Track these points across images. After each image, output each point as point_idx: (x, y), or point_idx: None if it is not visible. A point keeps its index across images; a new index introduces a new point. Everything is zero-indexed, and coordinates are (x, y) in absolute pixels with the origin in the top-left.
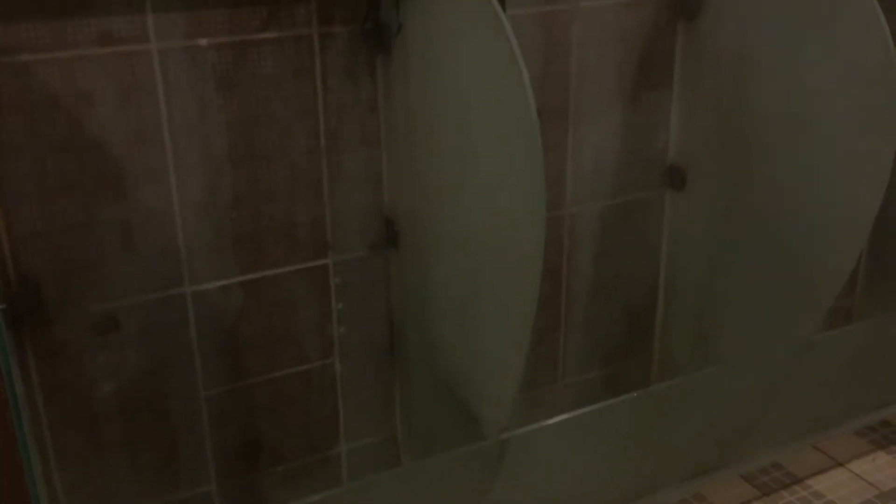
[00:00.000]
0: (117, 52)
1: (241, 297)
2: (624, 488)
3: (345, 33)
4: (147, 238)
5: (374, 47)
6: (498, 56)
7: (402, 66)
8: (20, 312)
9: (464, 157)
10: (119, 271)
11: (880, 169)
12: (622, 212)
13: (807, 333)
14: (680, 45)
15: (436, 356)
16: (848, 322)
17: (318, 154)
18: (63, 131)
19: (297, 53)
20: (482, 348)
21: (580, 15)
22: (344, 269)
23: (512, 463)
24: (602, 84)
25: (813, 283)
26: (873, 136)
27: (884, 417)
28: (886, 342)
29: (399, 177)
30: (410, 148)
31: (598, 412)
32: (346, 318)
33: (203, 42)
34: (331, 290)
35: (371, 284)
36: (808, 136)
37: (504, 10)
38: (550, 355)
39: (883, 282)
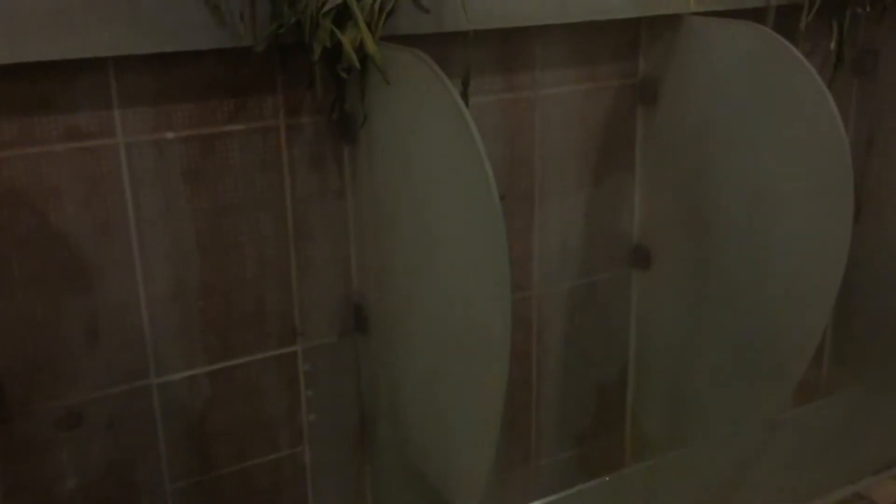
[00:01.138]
0: (84, 147)
1: (209, 387)
2: None
3: (311, 124)
4: (112, 331)
5: (341, 137)
6: (460, 145)
7: (369, 155)
8: None
9: (430, 243)
10: (84, 365)
11: (839, 243)
12: (590, 292)
13: (776, 409)
14: (640, 129)
15: (407, 441)
16: (816, 394)
17: (286, 242)
18: (28, 226)
19: (264, 144)
20: (453, 433)
21: (542, 101)
22: (313, 356)
23: None
24: (566, 167)
25: (780, 358)
26: (830, 212)
27: (857, 491)
28: (856, 415)
29: (367, 262)
30: (378, 234)
31: (570, 497)
32: (315, 405)
33: (170, 135)
34: (300, 378)
35: (340, 370)
36: (768, 213)
37: (466, 99)
38: (523, 436)
39: (849, 353)
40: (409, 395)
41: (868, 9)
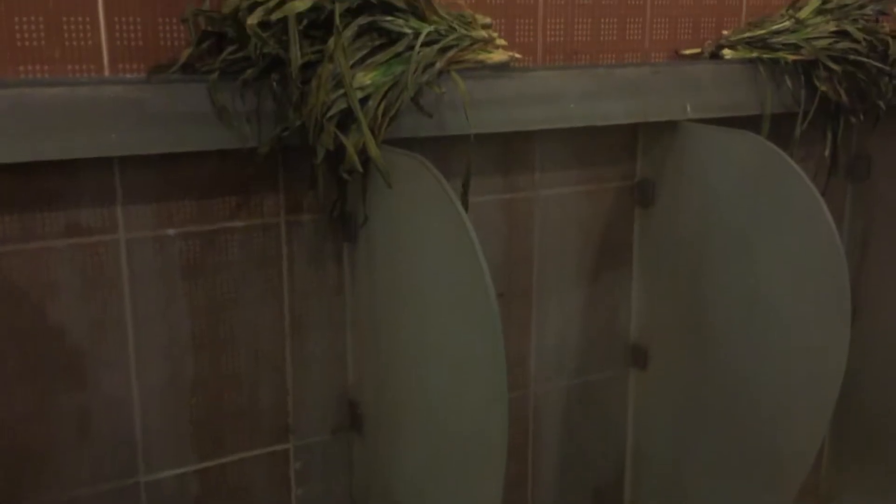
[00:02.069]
0: (84, 243)
1: (198, 485)
2: None
3: (312, 222)
4: (103, 427)
5: (341, 235)
6: (458, 247)
7: (368, 254)
8: None
9: (427, 342)
10: (73, 461)
11: (837, 349)
12: (587, 390)
13: None
14: (637, 230)
15: None
16: (815, 497)
17: (283, 338)
18: (26, 319)
19: (264, 241)
20: None
21: (541, 202)
22: (305, 454)
23: None
24: (564, 266)
25: (778, 464)
26: (827, 318)
27: None
28: None
29: (364, 359)
30: (375, 332)
31: None
32: None
33: (171, 232)
34: (290, 476)
35: (333, 469)
36: (765, 317)
37: (466, 201)
38: None
39: (847, 455)
40: (403, 497)
41: (862, 118)
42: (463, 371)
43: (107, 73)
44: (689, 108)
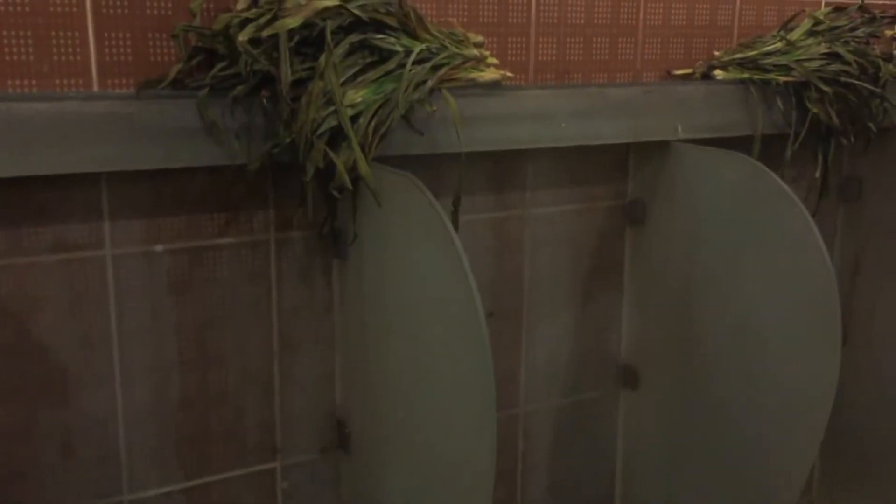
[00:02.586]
0: (71, 259)
1: None
2: None
3: (302, 239)
4: (87, 445)
5: (330, 252)
6: (448, 266)
7: (358, 271)
8: None
9: (415, 361)
10: (55, 480)
11: (827, 371)
12: (577, 411)
13: None
14: (628, 249)
15: None
16: None
17: (271, 356)
18: (10, 336)
19: (253, 257)
20: None
21: (532, 220)
22: (292, 473)
23: None
24: (554, 285)
25: (770, 486)
26: (817, 339)
27: None
28: None
29: (352, 378)
30: (364, 350)
31: None
32: None
33: (159, 248)
34: (277, 496)
35: (320, 489)
36: (755, 339)
37: (456, 219)
38: None
39: (838, 478)
40: None
41: (853, 139)
42: (451, 391)
43: (95, 88)
44: (680, 129)
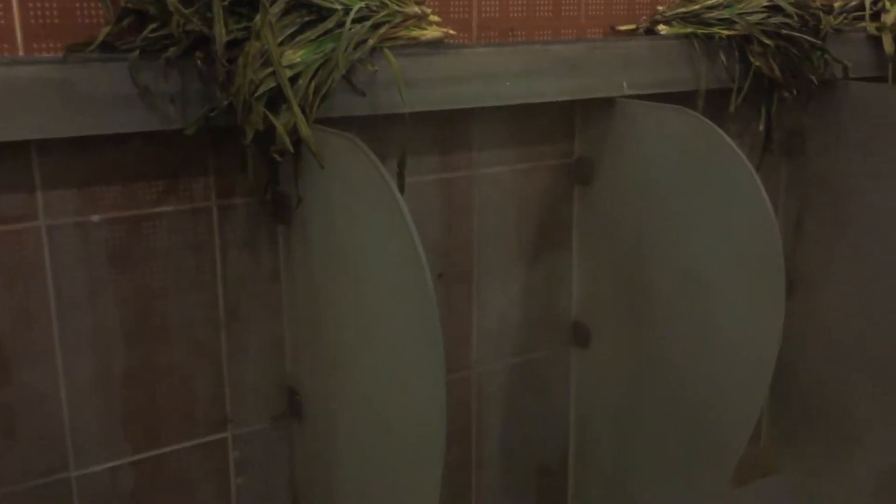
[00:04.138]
0: (3, 231)
1: (132, 478)
2: None
3: (244, 205)
4: (29, 422)
5: (275, 218)
6: (394, 228)
7: (303, 236)
8: None
9: (365, 326)
10: None
11: (773, 320)
12: (529, 370)
13: (718, 488)
14: (577, 208)
15: None
16: (754, 471)
17: (217, 326)
18: None
19: (194, 226)
20: None
21: (479, 181)
22: (244, 443)
23: None
24: (504, 245)
25: (720, 436)
26: (762, 291)
27: None
28: (794, 493)
29: (302, 345)
30: (313, 317)
31: None
32: (245, 494)
33: (95, 218)
34: (230, 466)
35: (273, 457)
36: (703, 291)
37: (402, 181)
38: None
39: (785, 429)
40: (344, 483)
41: (795, 93)
42: (401, 355)
43: (21, 52)
44: (625, 85)
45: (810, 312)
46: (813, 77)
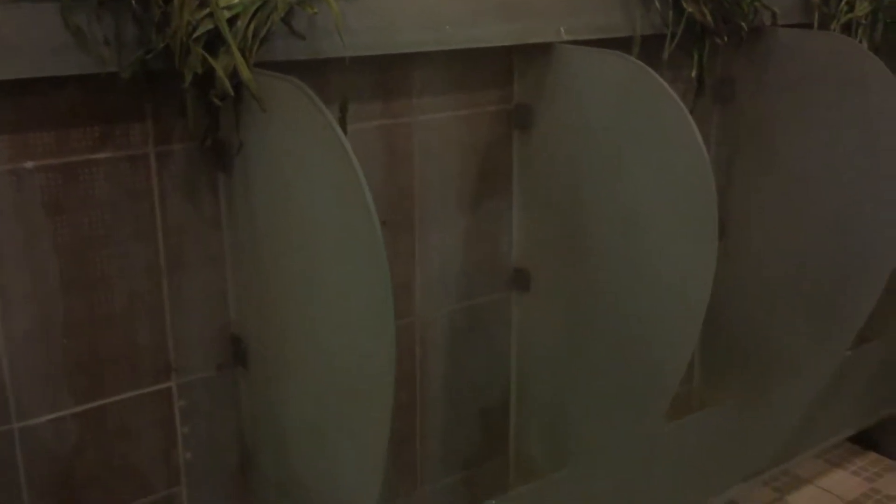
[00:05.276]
0: None
1: (77, 429)
2: None
3: (183, 151)
4: None
5: (215, 165)
6: (339, 172)
7: (245, 183)
8: None
9: (310, 272)
10: None
11: (705, 262)
12: (472, 316)
13: (654, 424)
14: (516, 154)
15: (290, 477)
16: (688, 409)
17: (159, 274)
18: None
19: (132, 173)
20: (338, 466)
21: (420, 127)
22: (189, 392)
23: None
24: (445, 191)
25: (655, 374)
26: (696, 232)
27: (731, 498)
28: (726, 427)
29: (246, 293)
30: (256, 263)
31: None
32: (192, 442)
33: (29, 165)
34: (175, 415)
35: (219, 406)
36: (639, 234)
37: (344, 126)
38: (408, 463)
39: (717, 368)
40: (292, 429)
41: (726, 39)
42: (348, 301)
43: None
44: (563, 31)
45: (742, 253)
46: (743, 24)
